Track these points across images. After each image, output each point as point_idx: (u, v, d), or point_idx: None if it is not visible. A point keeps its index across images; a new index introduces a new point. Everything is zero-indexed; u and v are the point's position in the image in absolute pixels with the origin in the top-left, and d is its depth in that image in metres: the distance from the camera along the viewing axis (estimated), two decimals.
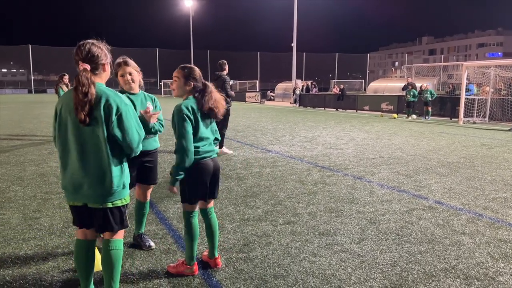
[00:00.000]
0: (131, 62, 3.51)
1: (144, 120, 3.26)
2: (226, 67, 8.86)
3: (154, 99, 3.72)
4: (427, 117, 19.15)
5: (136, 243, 3.79)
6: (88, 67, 2.42)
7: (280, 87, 42.28)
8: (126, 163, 2.63)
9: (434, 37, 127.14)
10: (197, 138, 3.07)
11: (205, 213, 3.32)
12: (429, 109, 19.14)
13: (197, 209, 3.21)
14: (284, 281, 3.15)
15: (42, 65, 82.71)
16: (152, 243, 3.76)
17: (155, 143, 3.72)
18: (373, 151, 9.47)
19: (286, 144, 10.54)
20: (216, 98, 3.15)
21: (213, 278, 3.20)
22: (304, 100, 30.79)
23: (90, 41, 2.52)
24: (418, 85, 21.27)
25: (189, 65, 3.20)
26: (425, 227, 4.36)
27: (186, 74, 3.10)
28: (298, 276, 3.24)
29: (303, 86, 34.82)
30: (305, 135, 12.42)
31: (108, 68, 2.58)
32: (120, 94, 2.52)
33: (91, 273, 2.72)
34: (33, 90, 70.99)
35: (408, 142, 10.94)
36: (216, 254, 3.39)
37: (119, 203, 2.58)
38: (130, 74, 3.45)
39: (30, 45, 74.15)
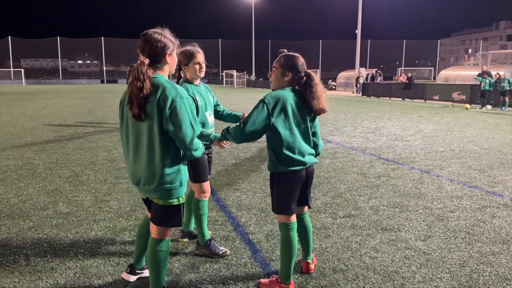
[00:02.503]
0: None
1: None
2: None
3: (211, 91, 3.54)
4: (503, 108, 17.81)
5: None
6: (146, 60, 2.32)
7: (342, 75, 41.29)
8: (185, 160, 2.50)
9: None
10: (281, 139, 2.67)
11: (298, 218, 2.96)
12: (506, 99, 17.79)
13: (294, 220, 2.82)
14: (343, 275, 3.07)
15: (114, 57, 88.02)
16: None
17: None
18: (443, 143, 8.95)
19: (347, 135, 10.28)
20: (319, 91, 2.78)
21: (270, 267, 3.20)
22: (367, 89, 29.83)
23: (153, 30, 2.40)
24: (493, 73, 19.79)
25: (291, 53, 2.83)
26: (499, 226, 4.04)
27: (283, 63, 2.74)
28: (358, 271, 3.14)
29: (367, 74, 33.68)
30: (368, 126, 12.03)
31: (171, 59, 2.45)
32: (178, 87, 2.38)
33: (144, 247, 2.81)
34: (105, 80, 75.73)
35: (481, 135, 10.21)
36: (306, 258, 3.09)
37: (175, 201, 2.49)
38: (203, 62, 3.26)
39: (102, 38, 79.01)
